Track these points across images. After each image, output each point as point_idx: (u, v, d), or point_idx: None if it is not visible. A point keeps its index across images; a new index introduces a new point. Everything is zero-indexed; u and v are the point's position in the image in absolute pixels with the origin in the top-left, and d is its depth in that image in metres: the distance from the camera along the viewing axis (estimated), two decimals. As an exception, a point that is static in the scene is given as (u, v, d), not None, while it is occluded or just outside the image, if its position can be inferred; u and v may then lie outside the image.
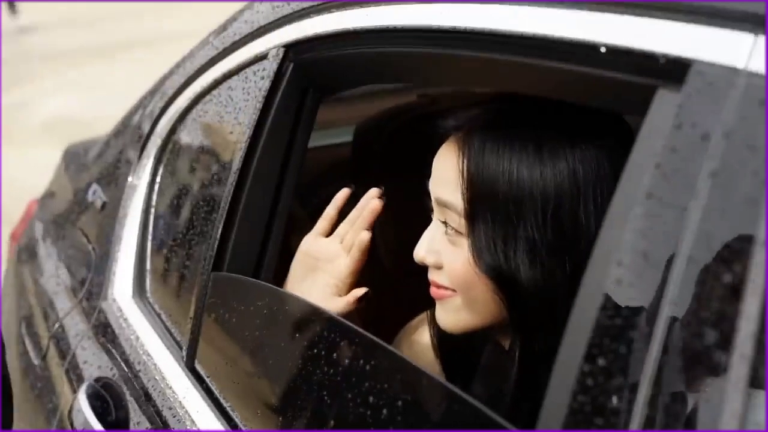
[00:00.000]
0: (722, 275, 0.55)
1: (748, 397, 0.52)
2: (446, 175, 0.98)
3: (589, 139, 0.94)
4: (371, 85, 1.82)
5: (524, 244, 0.93)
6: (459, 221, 0.96)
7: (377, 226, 1.16)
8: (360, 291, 1.08)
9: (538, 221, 0.92)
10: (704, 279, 0.57)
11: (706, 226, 0.57)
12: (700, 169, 0.58)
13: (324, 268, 1.12)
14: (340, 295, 1.09)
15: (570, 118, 0.95)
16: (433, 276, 1.02)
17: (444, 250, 0.99)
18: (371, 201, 1.09)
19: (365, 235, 1.08)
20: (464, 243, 0.96)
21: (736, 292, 0.54)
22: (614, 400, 0.61)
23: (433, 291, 1.02)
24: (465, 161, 0.96)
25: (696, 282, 0.57)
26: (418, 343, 1.19)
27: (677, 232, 0.59)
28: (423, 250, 1.01)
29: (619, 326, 0.62)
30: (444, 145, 1.02)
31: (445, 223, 0.98)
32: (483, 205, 0.95)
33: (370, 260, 1.13)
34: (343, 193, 1.14)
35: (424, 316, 1.18)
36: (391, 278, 1.38)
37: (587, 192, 0.94)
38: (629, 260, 0.62)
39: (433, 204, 1.02)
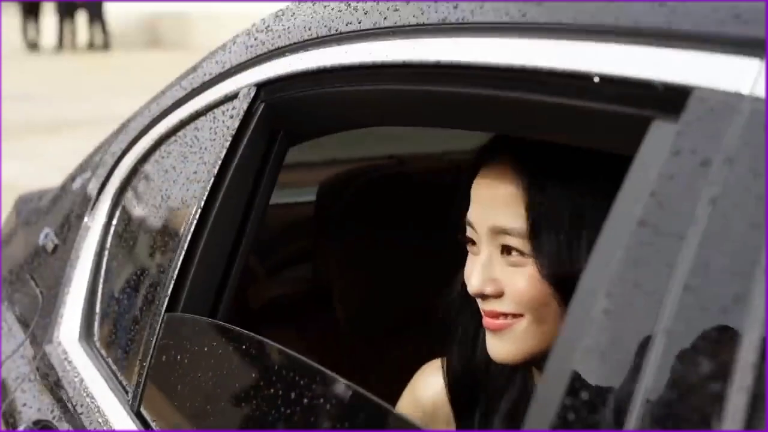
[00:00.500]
0: (721, 302, 0.54)
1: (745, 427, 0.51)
2: (500, 202, 1.02)
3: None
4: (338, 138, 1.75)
5: (588, 250, 0.96)
6: (521, 243, 0.98)
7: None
8: None
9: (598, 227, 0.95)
10: (702, 307, 0.56)
11: (705, 253, 0.56)
12: (699, 196, 0.58)
13: None
14: None
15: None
16: (491, 306, 1.02)
17: (504, 276, 1.01)
18: None
19: None
20: (527, 263, 0.99)
21: (735, 321, 0.53)
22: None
23: (491, 323, 1.03)
24: (522, 185, 0.99)
25: (692, 310, 0.56)
26: (432, 387, 1.19)
27: (672, 259, 0.58)
28: (478, 282, 1.02)
29: (604, 358, 0.62)
30: (483, 176, 1.05)
31: (504, 248, 1.00)
32: (547, 222, 0.99)
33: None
34: None
35: (434, 363, 1.20)
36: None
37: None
38: (619, 290, 0.62)
39: (481, 234, 1.03)
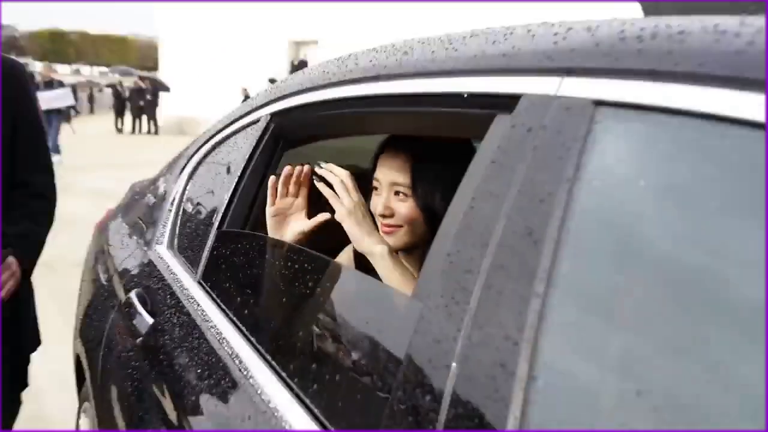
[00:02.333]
0: (534, 234, 0.74)
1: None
2: (395, 168, 1.38)
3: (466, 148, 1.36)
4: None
5: (439, 196, 1.33)
6: (406, 189, 1.36)
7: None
8: (323, 215, 1.40)
9: (446, 184, 1.27)
10: (516, 233, 0.77)
11: (523, 189, 0.77)
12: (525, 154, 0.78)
13: (289, 213, 1.46)
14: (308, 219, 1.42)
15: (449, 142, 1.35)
16: (386, 221, 1.38)
17: (395, 205, 1.37)
18: (298, 168, 1.45)
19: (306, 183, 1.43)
20: (408, 199, 1.36)
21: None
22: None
23: (385, 230, 1.38)
24: (409, 160, 1.36)
25: (511, 237, 0.76)
26: (348, 259, 1.52)
27: (502, 197, 0.78)
28: (381, 208, 1.38)
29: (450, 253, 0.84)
30: (387, 153, 1.41)
31: (395, 192, 1.37)
32: (421, 180, 1.35)
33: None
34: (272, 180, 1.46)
35: (348, 247, 1.51)
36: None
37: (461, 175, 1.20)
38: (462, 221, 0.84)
39: (383, 185, 1.39)
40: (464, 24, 1.29)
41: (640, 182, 0.68)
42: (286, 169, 1.46)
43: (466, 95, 0.95)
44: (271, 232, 1.46)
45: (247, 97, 16.82)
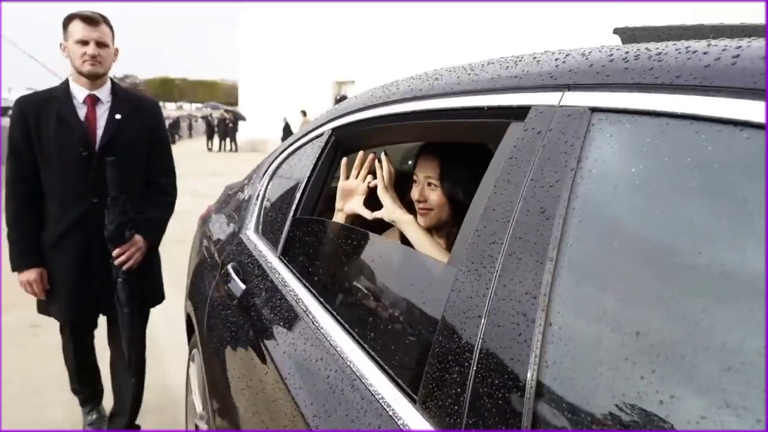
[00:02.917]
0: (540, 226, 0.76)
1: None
2: (428, 166, 1.38)
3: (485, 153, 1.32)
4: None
5: (465, 188, 1.32)
6: (436, 181, 1.37)
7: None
8: (380, 213, 1.37)
9: (466, 178, 1.30)
10: (530, 223, 0.76)
11: (531, 184, 0.76)
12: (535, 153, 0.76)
13: (353, 192, 1.45)
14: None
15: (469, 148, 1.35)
16: (421, 205, 1.39)
17: (427, 193, 1.38)
18: (369, 156, 1.43)
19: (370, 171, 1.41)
20: (437, 189, 1.37)
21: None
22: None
23: (421, 212, 1.39)
24: (439, 160, 1.37)
25: (523, 228, 0.74)
26: (394, 236, 1.49)
27: (518, 193, 0.76)
28: (417, 195, 1.39)
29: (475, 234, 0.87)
30: (423, 155, 1.41)
31: (428, 183, 1.37)
32: (448, 174, 1.36)
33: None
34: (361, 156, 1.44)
35: (388, 231, 1.52)
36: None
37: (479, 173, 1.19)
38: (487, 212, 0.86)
39: (420, 178, 1.39)
40: (465, 58, 1.26)
41: (631, 170, 0.66)
42: (360, 154, 1.46)
43: (486, 108, 0.93)
44: (338, 202, 1.48)
45: (287, 124, 18.96)
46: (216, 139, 25.46)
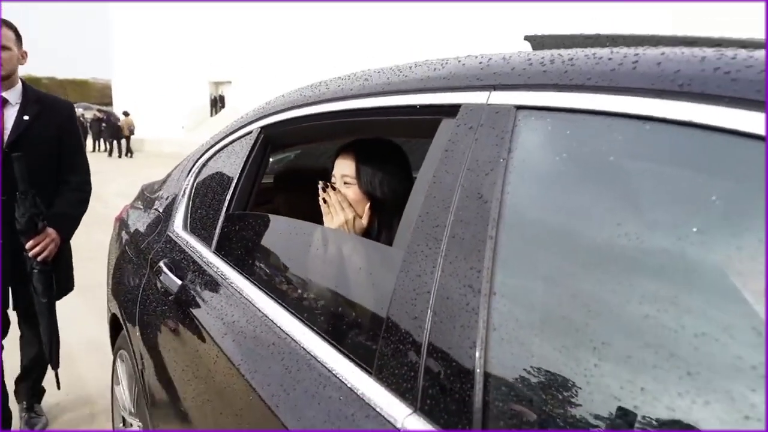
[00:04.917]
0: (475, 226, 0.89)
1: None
2: (346, 164, 1.38)
3: (398, 152, 1.40)
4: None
5: (380, 183, 1.36)
6: (352, 179, 1.37)
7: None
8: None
9: (385, 176, 1.35)
10: (465, 221, 0.86)
11: (467, 175, 0.83)
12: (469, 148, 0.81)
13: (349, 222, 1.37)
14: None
15: (386, 143, 1.39)
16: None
17: (345, 191, 1.38)
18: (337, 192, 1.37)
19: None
20: (354, 186, 1.37)
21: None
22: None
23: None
24: (354, 159, 1.37)
25: (458, 226, 0.88)
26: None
27: (453, 187, 0.83)
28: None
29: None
30: (339, 157, 1.41)
31: (345, 182, 1.37)
32: (364, 172, 1.37)
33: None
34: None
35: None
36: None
37: (393, 170, 1.36)
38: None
39: (337, 177, 1.39)
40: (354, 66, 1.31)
41: (554, 158, 0.74)
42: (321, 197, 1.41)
43: (418, 106, 0.97)
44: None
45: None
46: (89, 139, 23.40)
